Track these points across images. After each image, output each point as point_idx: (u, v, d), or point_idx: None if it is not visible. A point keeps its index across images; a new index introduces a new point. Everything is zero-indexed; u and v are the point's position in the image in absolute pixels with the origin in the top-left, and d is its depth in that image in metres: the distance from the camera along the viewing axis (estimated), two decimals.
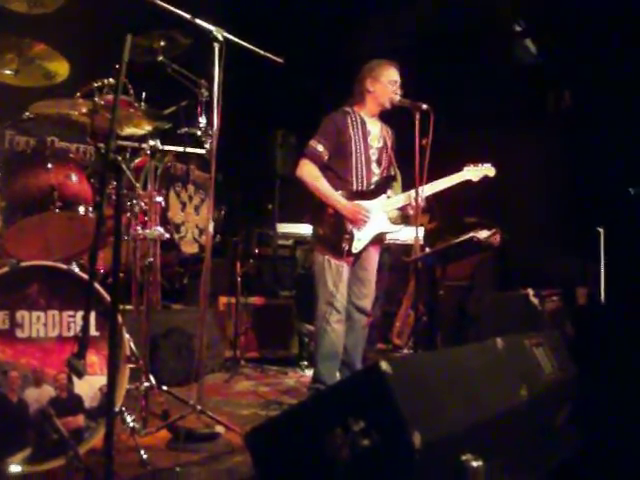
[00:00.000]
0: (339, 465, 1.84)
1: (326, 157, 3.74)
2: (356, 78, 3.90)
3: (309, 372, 4.62)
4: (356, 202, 3.70)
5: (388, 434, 1.77)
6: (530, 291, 4.17)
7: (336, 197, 3.68)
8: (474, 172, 3.91)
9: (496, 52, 6.50)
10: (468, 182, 3.92)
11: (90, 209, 2.93)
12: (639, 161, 5.55)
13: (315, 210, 3.76)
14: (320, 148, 3.72)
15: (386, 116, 4.00)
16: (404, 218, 4.00)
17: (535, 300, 4.13)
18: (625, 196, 5.77)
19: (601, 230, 6.25)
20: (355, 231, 3.69)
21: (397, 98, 3.78)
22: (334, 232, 3.69)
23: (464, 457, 1.99)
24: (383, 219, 3.81)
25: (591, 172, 5.98)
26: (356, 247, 3.71)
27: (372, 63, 3.89)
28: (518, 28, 6.71)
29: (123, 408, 2.81)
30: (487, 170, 3.94)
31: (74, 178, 2.93)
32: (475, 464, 1.99)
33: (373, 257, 3.89)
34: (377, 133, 3.92)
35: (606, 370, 4.10)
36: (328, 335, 3.69)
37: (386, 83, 3.82)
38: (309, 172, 3.71)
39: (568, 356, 3.15)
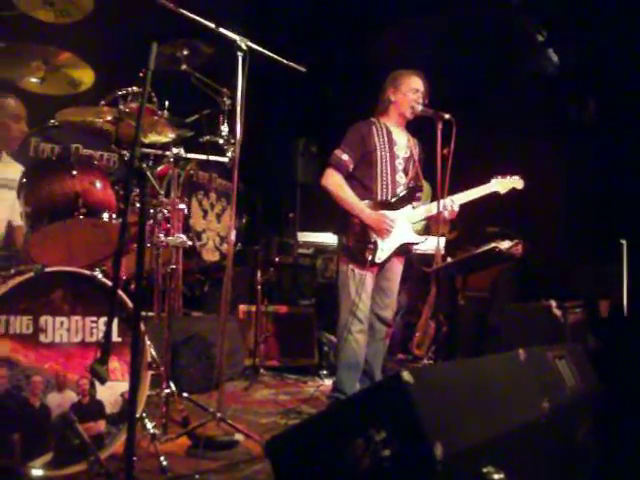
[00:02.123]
0: (360, 475, 1.83)
1: (351, 166, 3.75)
2: (381, 90, 3.91)
3: (329, 381, 4.62)
4: (381, 212, 3.70)
5: (409, 445, 1.76)
6: (553, 302, 4.14)
7: (361, 206, 3.69)
8: (502, 184, 3.87)
9: (519, 62, 6.48)
10: (495, 193, 3.88)
11: (114, 216, 2.95)
12: None
13: (340, 219, 3.76)
14: (345, 157, 3.73)
15: (409, 125, 3.99)
16: (428, 229, 3.98)
17: (558, 312, 4.09)
18: None
19: (624, 242, 6.20)
20: (379, 241, 3.68)
21: (419, 108, 3.78)
22: (358, 242, 3.69)
23: (485, 469, 1.98)
24: (408, 230, 3.79)
25: (614, 183, 5.94)
26: (379, 257, 3.70)
27: (395, 73, 3.90)
28: (541, 38, 6.67)
29: (144, 414, 2.82)
30: (515, 182, 3.89)
31: (98, 185, 2.96)
32: (496, 477, 1.97)
33: (397, 267, 3.88)
34: (404, 143, 3.91)
35: (629, 384, 4.06)
36: (350, 345, 3.68)
37: (407, 92, 3.82)
38: (334, 182, 3.72)
39: (591, 369, 3.12)
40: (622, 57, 5.85)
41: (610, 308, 5.21)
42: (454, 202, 3.68)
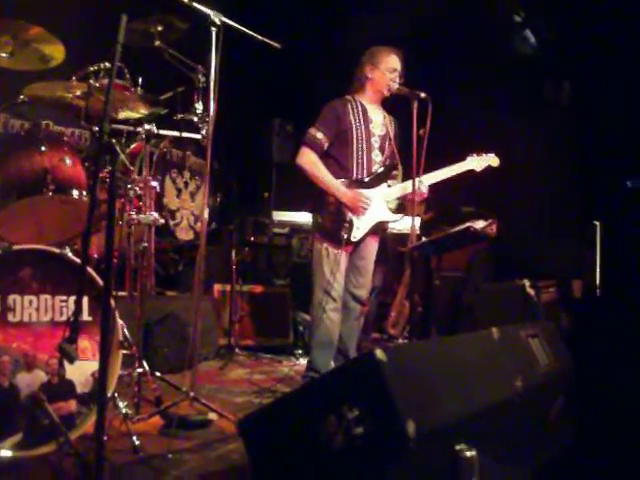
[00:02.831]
0: (332, 453, 1.83)
1: (326, 145, 3.72)
2: (357, 66, 3.87)
3: (304, 360, 4.61)
4: (356, 190, 3.68)
5: (382, 422, 1.76)
6: (526, 282, 4.16)
7: (336, 185, 3.66)
8: (477, 162, 3.86)
9: (496, 42, 6.47)
10: (470, 172, 3.87)
11: (84, 193, 2.89)
12: (636, 153, 5.54)
13: (315, 198, 3.74)
14: (320, 136, 3.70)
15: (385, 104, 3.97)
16: (403, 207, 3.97)
17: (531, 291, 4.12)
18: (622, 188, 5.76)
19: (597, 222, 6.26)
20: (355, 219, 3.67)
21: (395, 86, 3.75)
22: (334, 220, 3.67)
23: (458, 447, 1.99)
24: (383, 208, 3.78)
25: (588, 163, 5.97)
26: (355, 236, 3.69)
27: (373, 49, 3.86)
28: (518, 19, 6.66)
29: (115, 394, 2.79)
30: (491, 160, 3.89)
31: (68, 161, 2.89)
32: (469, 454, 1.98)
33: (372, 246, 3.88)
34: (380, 121, 3.88)
35: (601, 362, 4.10)
36: (324, 323, 3.68)
37: (385, 70, 3.78)
38: (309, 160, 3.69)
39: (563, 348, 3.15)
40: (598, 38, 5.86)
41: (583, 288, 5.26)
42: (422, 182, 3.65)
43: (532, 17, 6.56)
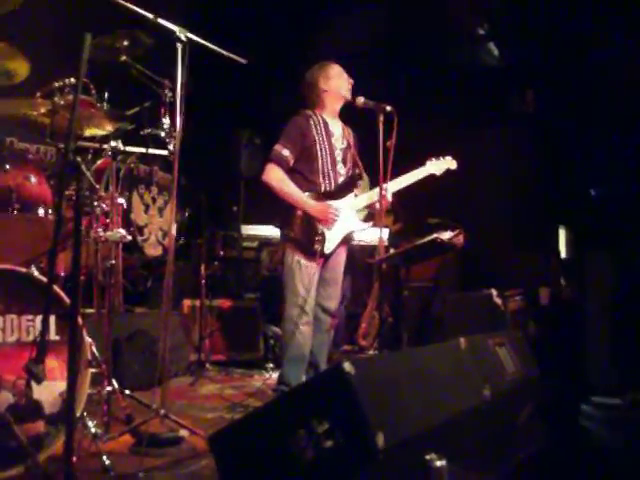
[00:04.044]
0: (303, 466, 1.83)
1: (292, 161, 3.74)
2: (305, 85, 3.92)
3: (275, 374, 4.60)
4: (325, 202, 3.72)
5: (351, 435, 1.77)
6: (493, 291, 4.21)
7: (304, 199, 3.69)
8: (437, 165, 3.96)
9: (460, 54, 6.57)
10: (432, 176, 3.96)
11: (50, 211, 2.88)
12: (599, 162, 5.65)
13: (284, 213, 3.75)
14: (286, 153, 3.72)
15: (348, 118, 4.01)
16: (371, 216, 4.03)
17: (498, 300, 4.17)
18: (586, 197, 5.87)
19: (563, 230, 6.36)
20: (326, 231, 3.70)
21: (362, 100, 3.79)
22: (305, 234, 3.69)
23: (428, 457, 2.00)
24: (352, 218, 3.84)
25: (553, 172, 6.08)
26: (328, 248, 3.72)
27: (314, 68, 3.94)
28: (481, 31, 6.78)
29: (85, 413, 2.76)
30: (448, 163, 4.00)
31: (33, 179, 2.88)
32: (439, 463, 2.00)
33: (341, 257, 3.91)
34: (340, 134, 3.95)
35: (569, 369, 4.17)
36: (296, 338, 3.68)
37: (337, 77, 3.88)
38: (276, 177, 3.70)
39: (531, 356, 3.19)
40: (560, 50, 5.98)
41: (550, 295, 5.33)
42: (386, 190, 3.70)
43: (496, 29, 6.68)
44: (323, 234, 3.69)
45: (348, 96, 3.89)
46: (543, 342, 4.07)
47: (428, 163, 3.96)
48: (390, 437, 1.78)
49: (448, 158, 4.00)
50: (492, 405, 2.45)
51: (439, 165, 3.96)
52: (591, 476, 2.85)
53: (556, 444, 2.98)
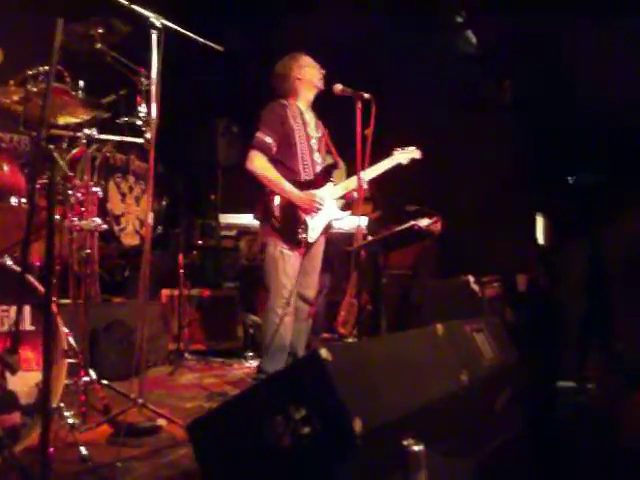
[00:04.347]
0: (280, 453, 1.83)
1: (274, 149, 3.73)
2: (277, 76, 3.92)
3: (254, 363, 4.61)
4: (309, 191, 3.73)
5: (329, 421, 1.77)
6: (470, 278, 4.24)
7: (290, 187, 3.69)
8: (402, 155, 4.03)
9: (439, 42, 6.56)
10: (399, 165, 4.03)
11: (23, 200, 2.83)
12: (577, 150, 5.69)
13: (264, 202, 3.73)
14: (269, 140, 3.70)
15: (326, 106, 4.01)
16: (349, 205, 4.04)
17: (475, 287, 4.19)
18: (564, 184, 5.91)
19: (540, 217, 6.40)
20: (309, 220, 3.70)
21: (339, 87, 3.77)
22: (289, 223, 3.69)
23: (405, 442, 2.01)
24: (333, 206, 3.87)
25: (531, 160, 6.11)
26: (312, 236, 3.73)
27: (285, 59, 3.94)
28: (459, 19, 6.78)
29: (61, 404, 2.73)
30: (413, 153, 4.07)
31: (6, 168, 2.83)
32: (416, 448, 2.01)
33: (320, 246, 3.93)
34: (314, 123, 3.98)
35: (545, 355, 4.21)
36: (278, 328, 3.66)
37: (310, 66, 3.90)
38: (260, 164, 3.68)
39: (508, 341, 3.21)
40: (537, 39, 6.00)
41: (527, 282, 5.37)
42: (362, 179, 3.71)
43: (473, 17, 6.68)
44: (306, 223, 3.70)
45: (321, 85, 3.91)
46: (520, 328, 4.11)
47: (395, 153, 4.03)
48: (367, 423, 1.78)
49: (412, 148, 4.07)
50: (469, 390, 2.47)
51: (404, 155, 4.03)
52: (566, 461, 2.89)
53: (532, 429, 3.01)
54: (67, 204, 3.04)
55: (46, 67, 3.45)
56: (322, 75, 3.91)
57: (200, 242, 5.65)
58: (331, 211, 3.83)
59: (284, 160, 3.77)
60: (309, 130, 3.89)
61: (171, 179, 5.23)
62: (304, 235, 3.68)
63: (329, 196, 3.82)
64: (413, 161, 4.06)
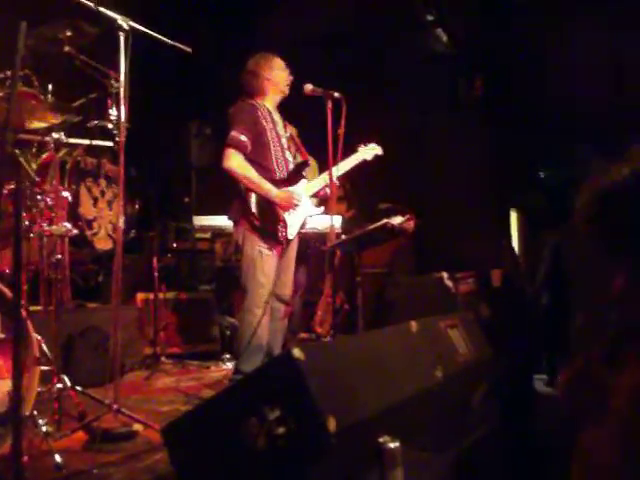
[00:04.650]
0: (256, 454, 1.82)
1: (249, 147, 3.72)
2: (248, 73, 3.91)
3: (231, 365, 4.58)
4: (287, 189, 3.75)
5: (303, 421, 1.77)
6: (444, 274, 4.26)
7: (268, 185, 3.69)
8: (366, 151, 4.07)
9: (409, 41, 6.59)
10: (365, 162, 4.06)
11: None
12: (548, 146, 5.75)
13: (241, 202, 3.72)
14: (244, 138, 3.70)
15: (297, 105, 4.01)
16: (323, 203, 4.06)
17: (449, 283, 4.21)
18: (537, 179, 5.98)
19: (514, 213, 6.47)
20: (287, 217, 3.72)
21: (310, 87, 3.78)
22: (268, 222, 3.69)
23: (381, 439, 2.01)
24: (308, 203, 3.90)
25: (503, 157, 6.16)
26: (291, 233, 3.76)
27: (257, 57, 3.94)
28: (430, 18, 6.81)
29: (35, 412, 2.70)
30: (375, 149, 4.11)
31: None
32: (392, 445, 2.01)
33: (294, 244, 3.94)
34: (281, 123, 4.00)
35: (520, 350, 4.24)
36: (255, 329, 3.66)
37: (280, 70, 3.91)
38: (238, 163, 3.67)
39: (483, 337, 3.23)
40: (507, 38, 6.06)
41: (502, 277, 5.41)
42: (333, 177, 3.72)
43: (444, 16, 6.72)
44: (285, 220, 3.71)
45: (286, 91, 3.94)
46: (495, 323, 4.13)
47: (360, 149, 4.07)
48: (342, 421, 1.78)
49: (373, 145, 4.11)
50: (444, 386, 2.48)
51: (368, 151, 4.08)
52: (542, 455, 2.91)
53: (508, 424, 3.03)
54: (36, 210, 3.00)
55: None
56: (290, 81, 3.92)
57: (175, 245, 5.62)
58: (306, 208, 3.87)
59: (258, 159, 3.76)
60: (278, 129, 3.91)
61: (144, 182, 5.19)
62: (284, 232, 3.69)
63: (304, 192, 3.85)
64: (380, 158, 4.11)
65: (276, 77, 3.88)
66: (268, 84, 3.87)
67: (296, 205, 3.73)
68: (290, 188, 3.76)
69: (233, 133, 3.70)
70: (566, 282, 4.91)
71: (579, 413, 1.40)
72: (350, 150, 3.96)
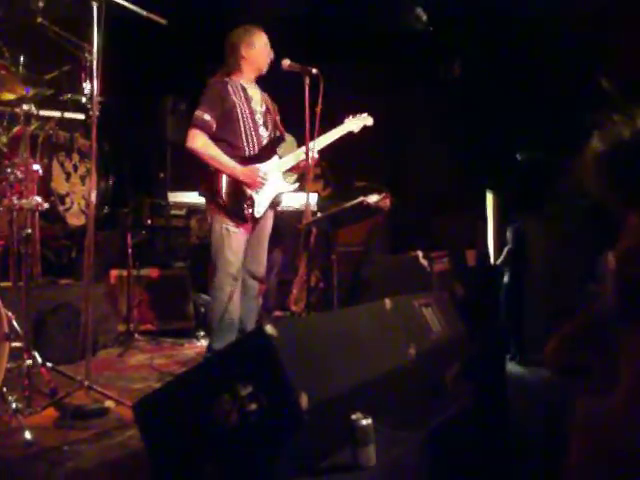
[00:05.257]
0: (228, 431, 1.82)
1: (214, 126, 3.68)
2: (227, 45, 3.84)
3: (206, 342, 4.56)
4: (252, 166, 3.68)
5: (275, 397, 1.76)
6: (419, 253, 4.27)
7: (232, 163, 3.65)
8: (354, 123, 4.00)
9: (388, 18, 6.54)
10: (350, 134, 3.99)
11: None
12: (525, 127, 5.77)
13: (209, 180, 3.69)
14: (207, 117, 3.65)
15: (274, 81, 3.96)
16: (300, 180, 4.02)
17: (424, 262, 4.22)
18: (512, 161, 6.00)
19: (490, 193, 6.50)
20: (255, 195, 3.67)
21: (287, 63, 3.73)
22: (234, 200, 3.65)
23: (353, 416, 2.02)
24: (279, 180, 3.83)
25: (480, 137, 6.17)
26: (258, 211, 3.71)
27: (240, 30, 3.84)
28: None
29: (4, 388, 2.67)
30: (365, 119, 4.04)
31: None
32: (364, 422, 2.02)
33: (269, 222, 3.91)
34: (258, 98, 3.92)
35: (493, 329, 4.28)
36: (226, 306, 3.65)
37: (261, 48, 3.82)
38: (201, 142, 3.64)
39: (456, 316, 3.25)
40: (487, 15, 6.03)
41: (476, 257, 5.45)
42: (312, 149, 3.69)
43: None
44: (252, 198, 3.67)
45: (264, 70, 3.87)
46: (469, 303, 4.16)
47: (346, 121, 4.00)
48: (314, 398, 1.78)
49: (364, 115, 4.04)
50: (417, 364, 2.49)
51: (357, 122, 4.01)
52: (513, 435, 2.95)
53: (481, 403, 3.06)
54: (5, 183, 2.95)
55: None
56: (270, 59, 3.84)
57: (149, 221, 5.55)
58: (277, 185, 3.80)
59: (226, 137, 3.72)
60: (253, 105, 3.84)
61: (118, 157, 5.12)
62: (250, 210, 3.66)
63: (276, 169, 3.79)
64: (364, 133, 4.02)
65: (253, 56, 3.81)
66: (244, 62, 3.81)
67: (261, 183, 3.68)
68: (257, 165, 3.70)
69: (197, 112, 3.67)
70: (526, 262, 5.02)
71: (576, 374, 1.43)
72: (333, 125, 3.90)
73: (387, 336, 2.42)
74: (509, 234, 5.39)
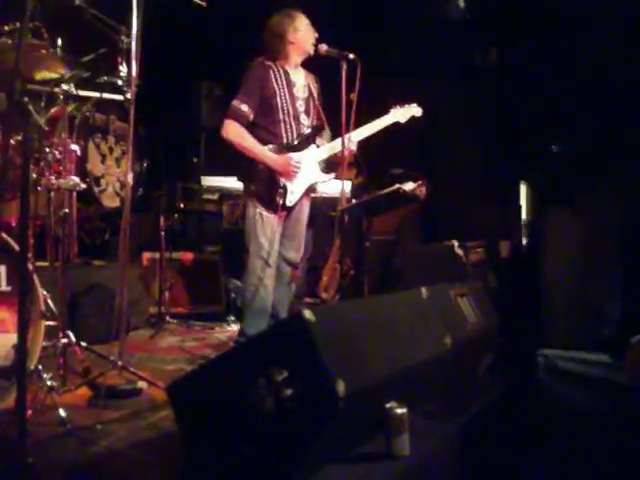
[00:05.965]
0: (263, 416, 1.81)
1: (251, 116, 3.67)
2: (271, 33, 3.78)
3: (236, 327, 4.58)
4: (286, 155, 3.65)
5: (311, 383, 1.75)
6: (455, 242, 4.21)
7: (265, 152, 3.63)
8: (401, 113, 3.89)
9: (426, 6, 6.47)
10: (397, 128, 3.89)
11: None
12: (561, 118, 5.67)
13: (246, 167, 3.69)
14: (244, 108, 3.64)
15: (312, 67, 3.92)
16: (333, 168, 3.96)
17: (460, 251, 4.17)
18: (547, 152, 5.90)
19: (524, 184, 6.40)
20: (288, 184, 3.65)
21: (324, 48, 3.69)
22: (267, 187, 3.64)
23: (388, 405, 2.00)
24: (315, 169, 3.79)
25: (515, 127, 6.08)
26: (290, 200, 3.68)
27: (281, 17, 3.78)
28: None
29: (40, 366, 2.70)
30: (414, 110, 3.93)
31: None
32: (399, 411, 2.00)
33: (304, 209, 3.88)
34: (302, 83, 3.86)
35: (526, 320, 4.23)
36: (258, 291, 3.65)
37: (306, 30, 3.77)
38: (235, 132, 3.63)
39: (491, 306, 3.21)
40: (525, 6, 5.92)
41: (510, 248, 5.37)
42: (351, 140, 3.64)
43: None
44: (285, 187, 3.65)
45: (312, 51, 3.79)
46: (502, 294, 4.11)
47: (392, 111, 3.89)
48: (350, 385, 1.76)
49: (413, 105, 3.93)
50: (453, 354, 2.46)
51: (404, 112, 3.90)
52: (545, 426, 2.90)
53: (513, 395, 3.02)
54: (44, 162, 2.96)
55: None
56: (315, 40, 3.77)
57: (182, 205, 5.56)
58: (312, 174, 3.76)
59: (266, 124, 3.70)
60: (295, 91, 3.79)
61: (152, 141, 5.13)
62: (282, 199, 3.64)
63: (312, 158, 3.75)
64: (391, 125, 3.89)
65: (300, 38, 3.75)
66: (292, 47, 3.75)
67: (294, 172, 3.65)
68: (291, 154, 3.67)
69: (234, 102, 3.66)
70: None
71: None
72: (375, 113, 3.82)
73: (423, 325, 2.39)
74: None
